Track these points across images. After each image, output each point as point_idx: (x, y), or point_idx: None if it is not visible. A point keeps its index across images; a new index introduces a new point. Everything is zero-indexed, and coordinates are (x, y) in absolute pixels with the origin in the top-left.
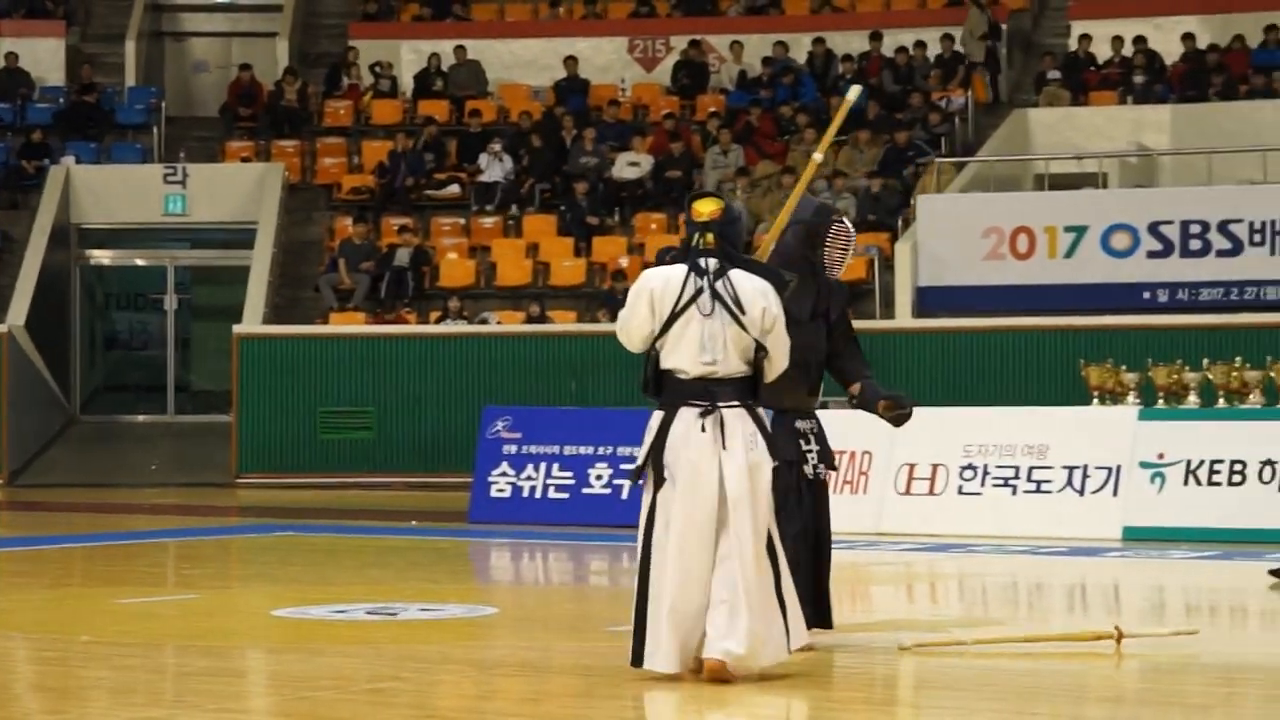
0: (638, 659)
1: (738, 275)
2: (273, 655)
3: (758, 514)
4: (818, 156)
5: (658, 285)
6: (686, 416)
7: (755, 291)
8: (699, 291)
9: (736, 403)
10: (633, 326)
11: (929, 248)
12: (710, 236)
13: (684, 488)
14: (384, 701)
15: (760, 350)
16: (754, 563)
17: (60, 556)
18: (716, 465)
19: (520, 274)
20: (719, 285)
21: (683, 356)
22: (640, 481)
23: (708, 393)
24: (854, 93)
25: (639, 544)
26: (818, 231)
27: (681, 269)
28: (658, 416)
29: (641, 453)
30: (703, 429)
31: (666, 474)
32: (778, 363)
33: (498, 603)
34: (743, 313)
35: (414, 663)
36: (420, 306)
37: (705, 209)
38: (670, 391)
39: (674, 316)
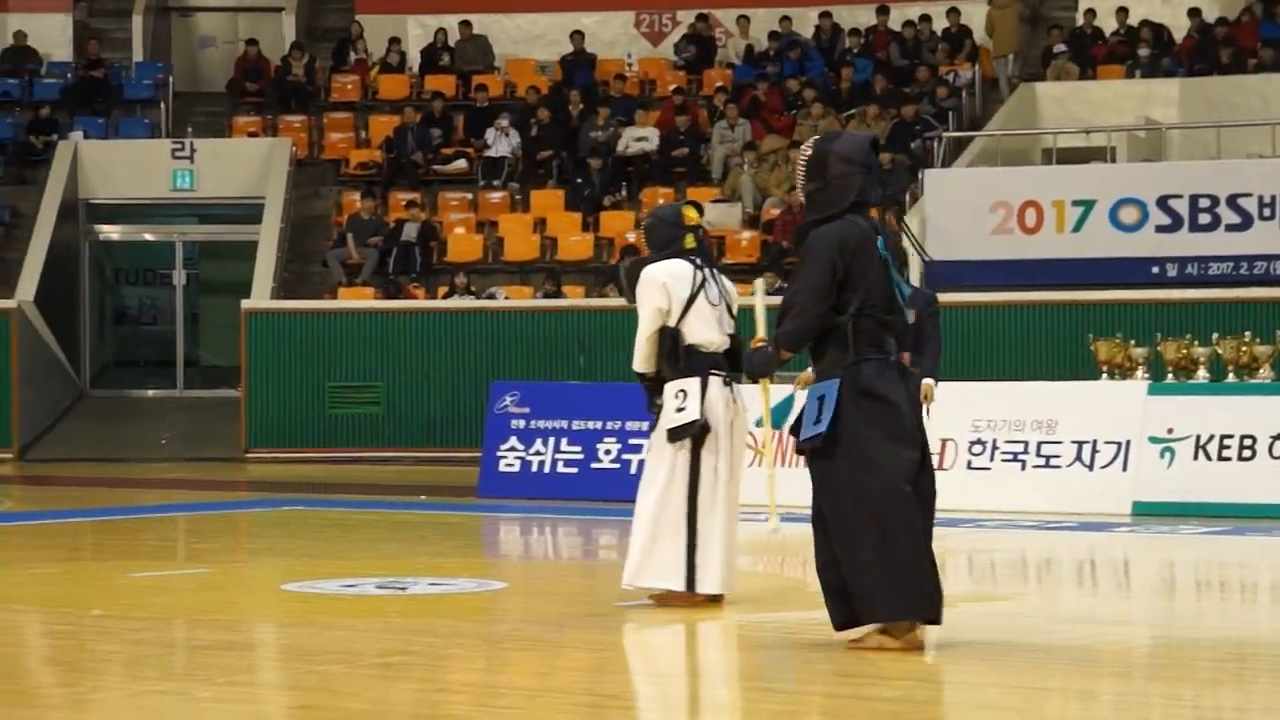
0: (691, 585)
1: (718, 273)
2: (283, 629)
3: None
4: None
5: (667, 278)
6: (714, 383)
7: (731, 287)
8: (703, 282)
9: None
10: (651, 307)
11: (936, 222)
12: (694, 238)
13: (723, 441)
14: (394, 675)
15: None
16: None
17: (71, 531)
18: (729, 422)
19: (528, 249)
20: (717, 279)
21: (706, 333)
22: (678, 439)
23: (720, 364)
24: (760, 286)
25: (683, 491)
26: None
27: (683, 264)
28: (693, 383)
29: (692, 412)
30: (731, 393)
31: (711, 427)
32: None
33: (507, 577)
34: (730, 302)
35: (424, 637)
36: (428, 282)
37: (694, 215)
38: (695, 363)
39: (690, 301)
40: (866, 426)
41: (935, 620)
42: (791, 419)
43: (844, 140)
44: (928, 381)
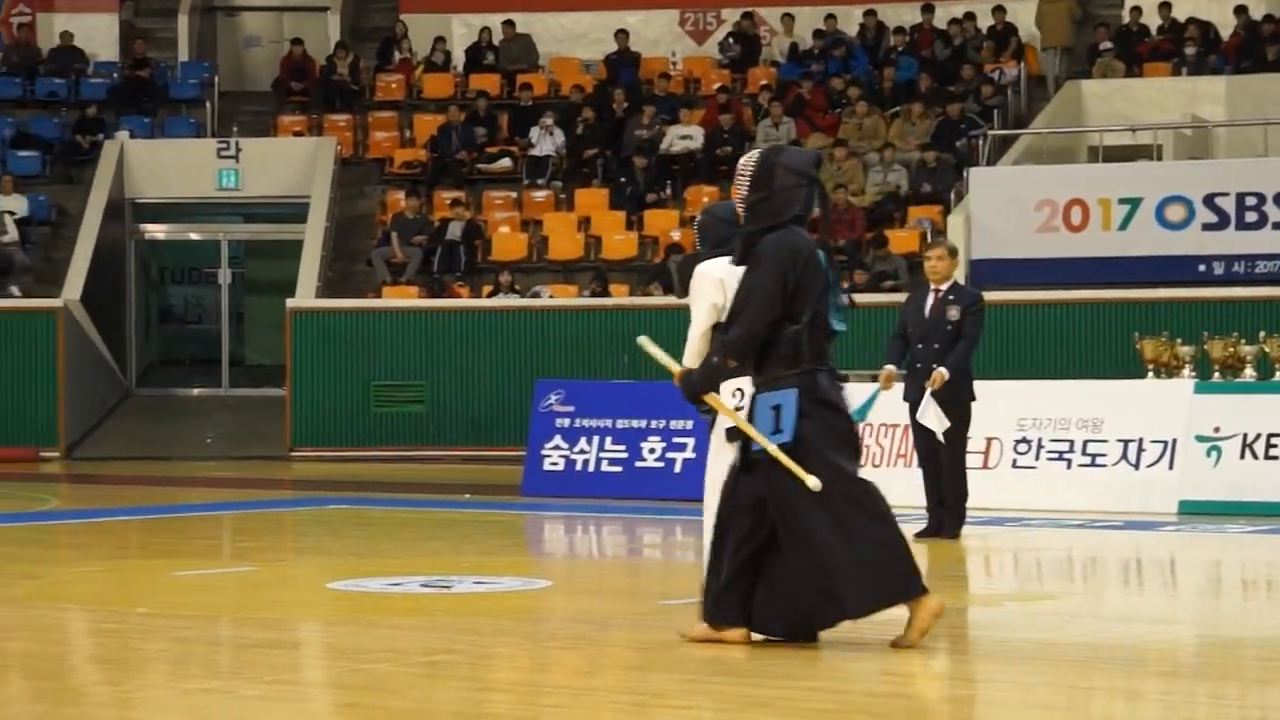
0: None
1: None
2: (328, 628)
3: None
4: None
5: (724, 274)
6: None
7: None
8: None
9: None
10: (705, 304)
11: (982, 221)
12: None
13: None
14: (439, 674)
15: None
16: None
17: (117, 529)
18: None
19: (572, 248)
20: None
21: None
22: (738, 438)
23: None
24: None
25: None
26: None
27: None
28: (749, 381)
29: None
30: None
31: None
32: None
33: (552, 575)
34: None
35: (468, 635)
36: (472, 280)
37: None
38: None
39: None
40: (823, 434)
41: (919, 594)
42: (726, 426)
43: (790, 153)
44: (940, 370)
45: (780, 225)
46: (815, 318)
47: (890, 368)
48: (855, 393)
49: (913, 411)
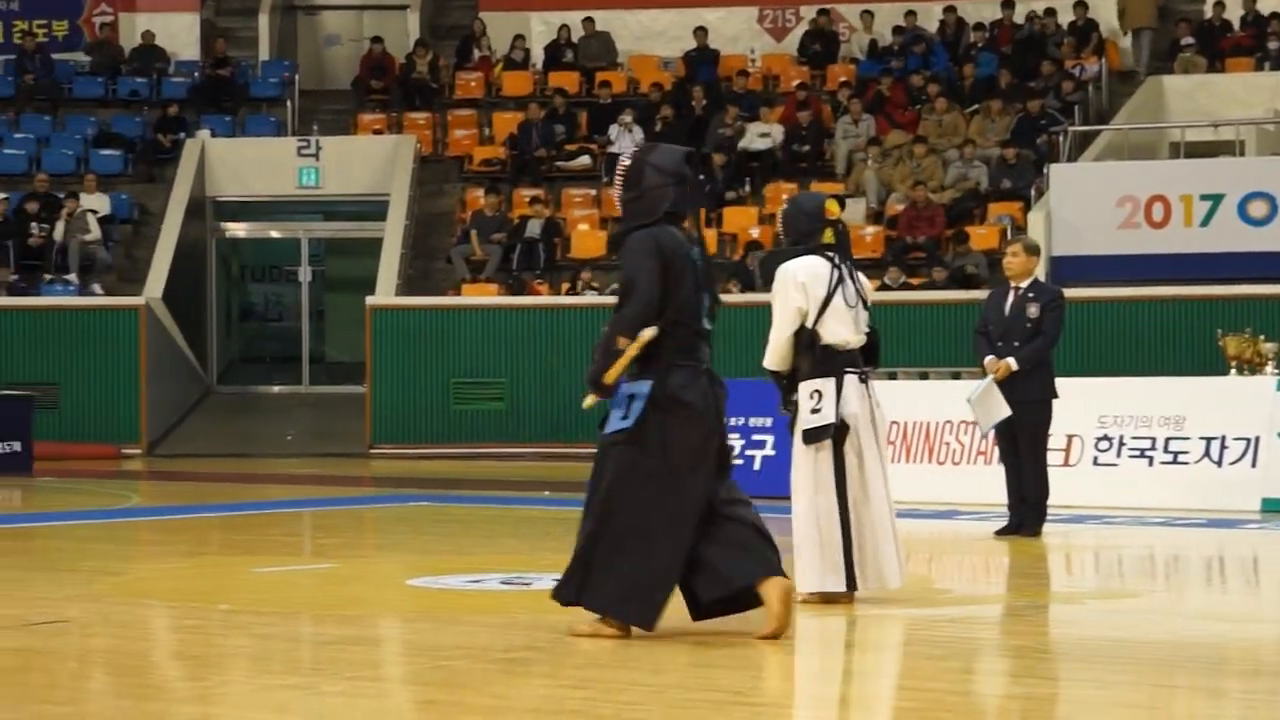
0: (851, 584)
1: (854, 271)
2: (408, 624)
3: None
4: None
5: (807, 277)
6: (850, 381)
7: (867, 284)
8: (840, 280)
9: (869, 369)
10: (790, 308)
11: (1063, 217)
12: (833, 233)
13: (864, 438)
14: (518, 671)
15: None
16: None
17: (198, 526)
18: (869, 417)
19: None
20: (854, 277)
21: (842, 333)
22: (814, 441)
23: (855, 362)
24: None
25: (831, 493)
26: None
27: (820, 261)
28: (829, 383)
29: (827, 414)
30: (867, 389)
31: (851, 426)
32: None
33: None
34: (866, 300)
35: (548, 632)
36: (551, 278)
37: (835, 209)
38: (831, 362)
39: (828, 300)
40: (666, 434)
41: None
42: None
43: (660, 152)
44: (1008, 360)
45: (652, 224)
46: (679, 315)
47: (992, 358)
48: (936, 391)
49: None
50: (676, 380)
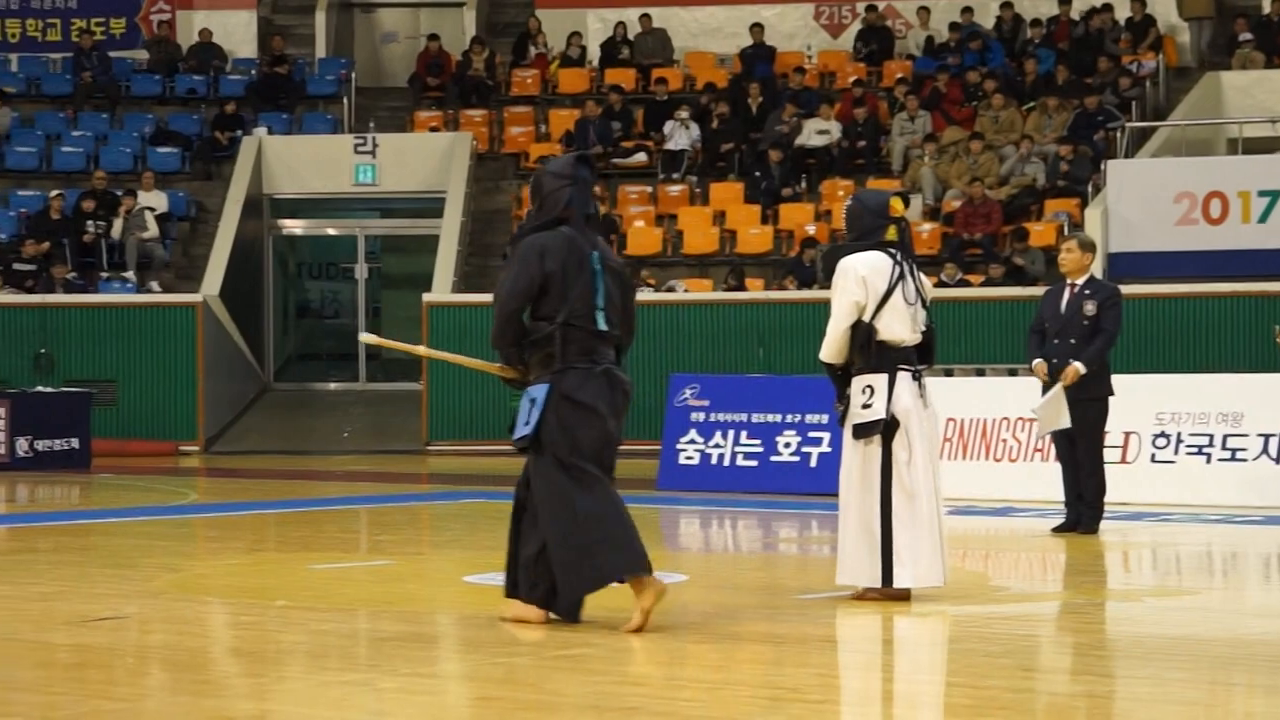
0: (888, 580)
1: (915, 269)
2: (465, 621)
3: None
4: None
5: (867, 271)
6: (902, 378)
7: (927, 282)
8: (901, 277)
9: (923, 366)
10: (848, 301)
11: (1120, 213)
12: (896, 230)
13: (916, 434)
14: (576, 667)
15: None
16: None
17: (255, 522)
18: (920, 415)
19: (707, 242)
20: (914, 275)
21: (899, 330)
22: (864, 436)
23: (909, 359)
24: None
25: (876, 488)
26: None
27: (882, 257)
28: (881, 379)
29: (878, 410)
30: (920, 387)
31: (901, 422)
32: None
33: (687, 570)
34: (925, 298)
35: (605, 629)
36: None
37: (899, 207)
38: (885, 358)
39: (887, 296)
40: (565, 432)
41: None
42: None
43: (555, 161)
44: (1075, 365)
45: (550, 225)
46: (572, 317)
47: (1040, 361)
48: (993, 387)
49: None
50: (571, 382)
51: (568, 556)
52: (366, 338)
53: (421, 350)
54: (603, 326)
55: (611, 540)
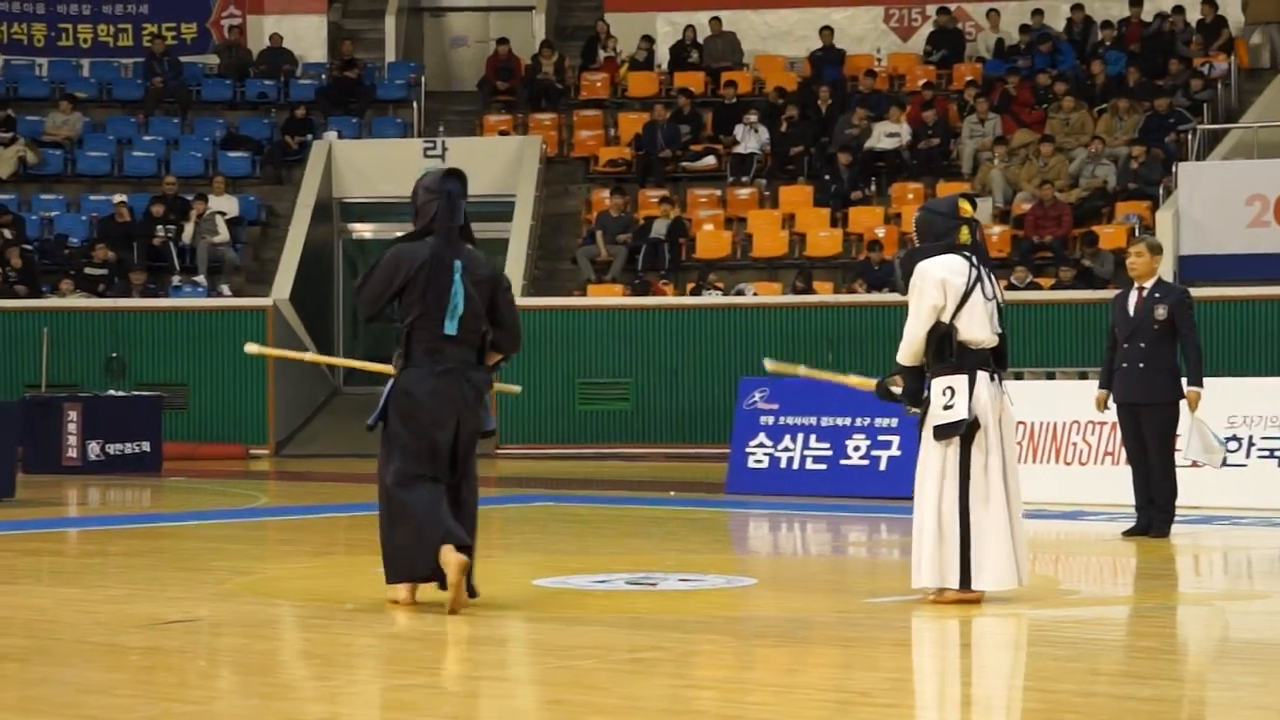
0: (966, 582)
1: (989, 270)
2: (534, 624)
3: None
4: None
5: (945, 273)
6: (982, 379)
7: (999, 284)
8: (978, 278)
9: (1000, 370)
10: (927, 304)
11: (1191, 216)
12: (968, 232)
13: (993, 438)
14: (644, 671)
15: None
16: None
17: (325, 526)
18: (999, 417)
19: (776, 245)
20: (989, 276)
21: (978, 331)
22: (945, 437)
23: (987, 361)
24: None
25: (955, 489)
26: None
27: (958, 259)
28: (961, 380)
29: (960, 410)
30: (999, 388)
31: (980, 423)
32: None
33: (756, 573)
34: (1001, 299)
35: (674, 633)
36: (677, 278)
37: (968, 208)
38: (965, 360)
39: (965, 297)
40: (398, 424)
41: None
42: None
43: (428, 175)
44: (1193, 390)
45: (420, 235)
46: (419, 319)
47: (1103, 392)
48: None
49: (1123, 411)
50: (411, 378)
51: (385, 549)
52: (251, 348)
53: (309, 356)
54: (450, 330)
55: (421, 541)
